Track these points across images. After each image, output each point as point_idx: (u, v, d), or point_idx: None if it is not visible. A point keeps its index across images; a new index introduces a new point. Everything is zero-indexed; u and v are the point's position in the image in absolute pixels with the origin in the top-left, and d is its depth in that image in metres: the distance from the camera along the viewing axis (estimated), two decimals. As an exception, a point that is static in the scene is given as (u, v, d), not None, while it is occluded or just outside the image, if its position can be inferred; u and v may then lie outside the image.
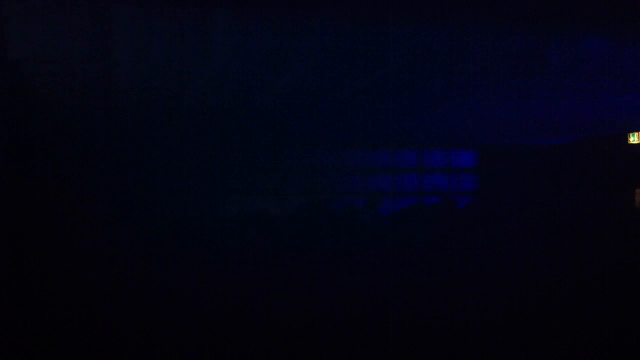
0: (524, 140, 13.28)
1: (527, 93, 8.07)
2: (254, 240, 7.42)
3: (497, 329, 5.60)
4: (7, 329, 4.84)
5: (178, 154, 12.74)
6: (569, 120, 10.40)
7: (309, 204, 10.75)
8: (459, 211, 9.18)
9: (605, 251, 7.87)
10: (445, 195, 13.73)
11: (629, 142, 12.26)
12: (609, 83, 7.54)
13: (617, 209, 11.95)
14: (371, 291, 6.19)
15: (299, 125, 10.70)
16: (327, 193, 13.40)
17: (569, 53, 6.75)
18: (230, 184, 13.14)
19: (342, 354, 5.12)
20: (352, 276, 6.57)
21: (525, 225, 9.59)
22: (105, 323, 5.00)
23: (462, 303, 6.03)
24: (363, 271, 6.73)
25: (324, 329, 5.26)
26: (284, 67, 6.55)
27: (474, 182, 14.48)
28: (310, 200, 12.39)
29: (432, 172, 14.36)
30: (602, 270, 7.08)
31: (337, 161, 13.81)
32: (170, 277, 6.04)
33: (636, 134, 12.16)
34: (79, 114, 9.09)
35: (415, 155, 14.27)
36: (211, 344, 5.01)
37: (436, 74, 6.97)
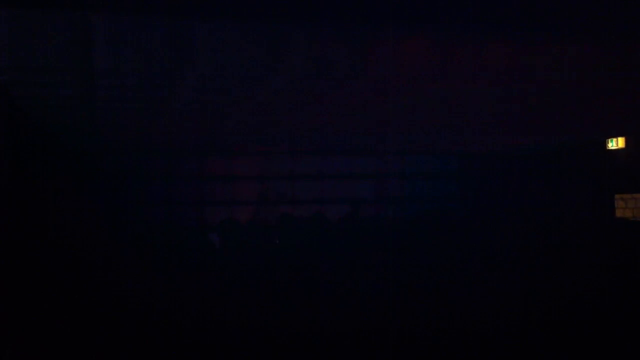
0: (503, 147, 13.35)
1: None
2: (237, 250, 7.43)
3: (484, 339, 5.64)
4: (7, 329, 4.85)
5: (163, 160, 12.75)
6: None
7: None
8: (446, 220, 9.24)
9: (585, 257, 7.94)
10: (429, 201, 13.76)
11: (608, 148, 12.38)
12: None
13: (598, 214, 12.03)
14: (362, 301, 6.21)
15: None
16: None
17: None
18: (214, 191, 13.13)
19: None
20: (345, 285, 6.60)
21: (505, 232, 9.64)
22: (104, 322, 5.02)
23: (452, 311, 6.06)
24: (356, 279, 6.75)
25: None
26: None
27: (452, 188, 14.49)
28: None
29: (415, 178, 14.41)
30: (582, 275, 7.14)
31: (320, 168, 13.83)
32: (168, 279, 6.06)
33: (614, 140, 12.27)
34: (60, 120, 9.10)
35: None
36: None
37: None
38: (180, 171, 12.95)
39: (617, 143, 12.24)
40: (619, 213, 12.08)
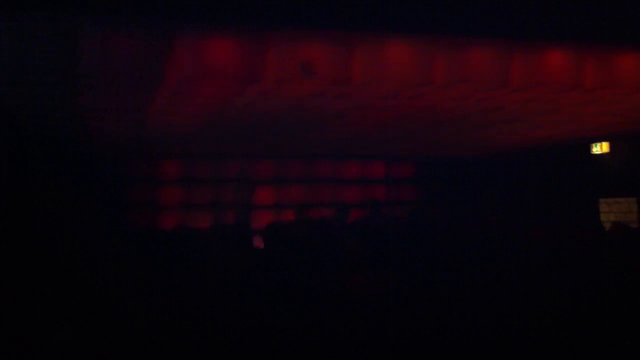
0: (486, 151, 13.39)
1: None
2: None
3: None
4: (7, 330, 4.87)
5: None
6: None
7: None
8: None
9: (568, 264, 7.96)
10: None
11: (592, 152, 12.48)
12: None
13: (581, 220, 12.09)
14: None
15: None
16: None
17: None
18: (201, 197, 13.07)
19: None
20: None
21: (486, 237, 9.66)
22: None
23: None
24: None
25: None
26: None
27: (433, 192, 14.45)
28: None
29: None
30: (565, 283, 7.15)
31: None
32: (167, 281, 6.05)
33: (599, 144, 12.37)
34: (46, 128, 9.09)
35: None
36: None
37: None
38: (166, 176, 12.93)
39: (601, 147, 12.35)
40: (603, 217, 12.17)
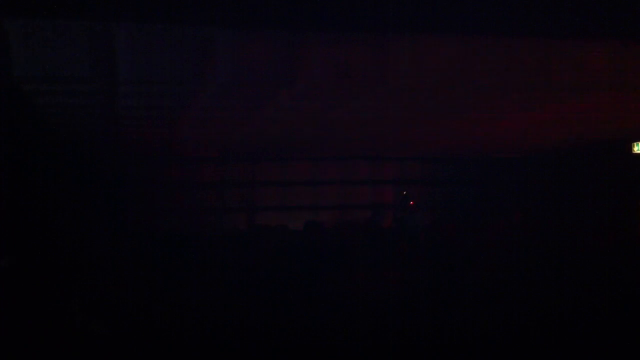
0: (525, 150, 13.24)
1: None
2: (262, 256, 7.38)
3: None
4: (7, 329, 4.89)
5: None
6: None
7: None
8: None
9: (608, 262, 7.82)
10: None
11: (633, 152, 12.21)
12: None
13: (621, 218, 11.89)
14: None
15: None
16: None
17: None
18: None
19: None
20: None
21: (527, 235, 9.51)
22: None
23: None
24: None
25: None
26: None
27: (475, 194, 14.34)
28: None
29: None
30: (604, 282, 7.01)
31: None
32: (172, 283, 6.04)
33: (640, 144, 12.11)
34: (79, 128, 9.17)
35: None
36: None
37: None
38: (199, 177, 12.98)
39: (644, 147, 12.08)
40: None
